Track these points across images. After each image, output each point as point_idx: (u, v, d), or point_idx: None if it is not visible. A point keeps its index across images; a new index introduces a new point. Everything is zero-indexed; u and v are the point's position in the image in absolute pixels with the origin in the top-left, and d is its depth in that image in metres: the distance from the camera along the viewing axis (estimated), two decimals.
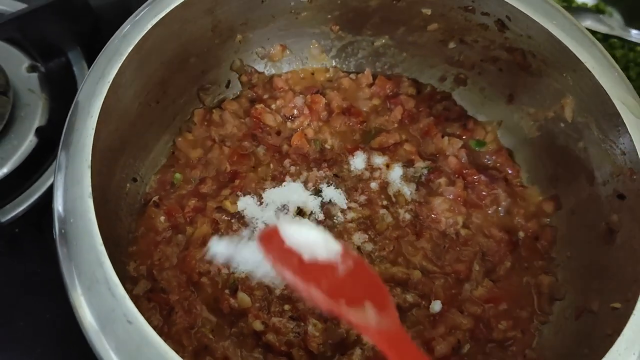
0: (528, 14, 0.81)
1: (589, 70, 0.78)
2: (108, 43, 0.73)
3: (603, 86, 0.76)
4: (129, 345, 0.57)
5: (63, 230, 0.62)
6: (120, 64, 0.71)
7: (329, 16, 0.98)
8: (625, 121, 0.75)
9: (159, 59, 0.84)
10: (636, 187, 0.75)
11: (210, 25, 0.89)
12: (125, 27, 0.75)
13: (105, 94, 0.69)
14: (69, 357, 0.91)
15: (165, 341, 0.77)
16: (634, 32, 1.32)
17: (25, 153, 1.02)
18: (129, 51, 0.72)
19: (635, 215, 0.75)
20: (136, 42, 0.73)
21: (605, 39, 1.36)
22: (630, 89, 0.77)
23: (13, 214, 0.96)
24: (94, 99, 0.69)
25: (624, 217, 0.78)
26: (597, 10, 1.37)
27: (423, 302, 0.84)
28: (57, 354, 0.93)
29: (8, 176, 0.97)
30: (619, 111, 0.75)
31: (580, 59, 0.78)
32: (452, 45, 0.97)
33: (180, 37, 0.85)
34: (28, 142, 1.04)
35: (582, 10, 1.35)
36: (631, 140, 0.74)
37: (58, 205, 0.63)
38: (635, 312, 0.65)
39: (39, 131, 1.06)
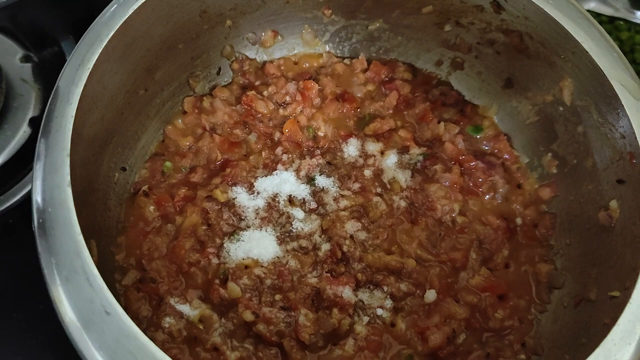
0: None
1: (587, 51, 0.75)
2: (89, 28, 0.72)
3: (601, 67, 0.74)
4: (108, 336, 0.56)
5: (41, 220, 0.61)
6: (101, 50, 0.70)
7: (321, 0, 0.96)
8: (624, 103, 0.72)
9: (145, 45, 0.82)
10: (636, 172, 0.73)
11: (199, 11, 0.87)
12: (107, 12, 0.73)
13: (85, 81, 0.68)
14: (62, 347, 0.91)
15: (154, 332, 0.78)
16: (639, 13, 1.29)
17: (19, 144, 1.02)
18: (110, 36, 0.71)
19: (635, 200, 0.73)
20: (117, 27, 0.71)
21: (611, 21, 1.33)
22: (629, 71, 0.74)
23: (7, 204, 0.96)
24: (73, 87, 0.67)
25: (623, 203, 0.76)
26: None
27: (418, 291, 0.83)
28: (50, 344, 0.93)
29: (2, 167, 0.96)
30: (618, 93, 0.72)
31: (577, 39, 0.76)
32: (448, 28, 0.95)
33: (167, 22, 0.83)
34: (22, 133, 1.03)
35: None
36: (630, 123, 0.72)
37: (36, 195, 0.62)
38: (631, 300, 0.63)
39: (32, 121, 1.05)
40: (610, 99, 0.75)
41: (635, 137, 0.72)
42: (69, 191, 0.61)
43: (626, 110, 0.72)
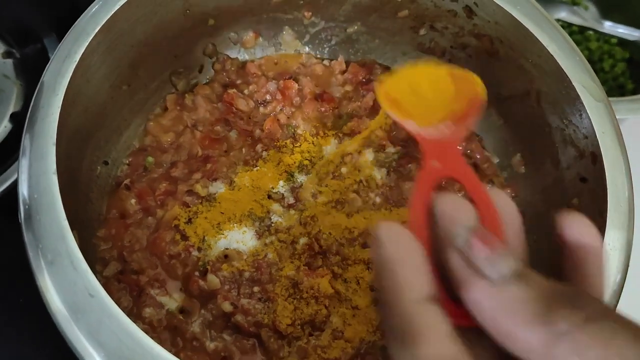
0: None
1: (552, 55, 0.79)
2: (75, 23, 0.74)
3: (564, 70, 0.78)
4: (92, 319, 0.57)
5: (27, 207, 0.62)
6: (87, 43, 0.72)
7: (301, 2, 0.99)
8: (585, 104, 0.76)
9: (129, 42, 0.84)
10: (597, 170, 0.76)
11: (182, 9, 0.89)
12: (94, 7, 0.75)
13: (71, 73, 0.69)
14: (44, 337, 0.92)
15: (135, 322, 0.79)
16: (607, 24, 1.35)
17: None
18: (97, 31, 0.72)
19: (595, 197, 0.77)
20: (104, 22, 0.73)
21: (581, 32, 1.39)
22: (590, 73, 0.78)
23: None
24: (60, 78, 0.69)
25: (584, 200, 0.80)
26: (572, 2, 1.39)
27: None
28: (31, 336, 0.94)
29: None
30: (579, 94, 0.76)
31: (543, 43, 0.80)
32: (423, 32, 0.98)
33: (151, 19, 0.85)
34: (2, 128, 1.05)
35: (558, 1, 1.37)
36: (591, 124, 0.76)
37: (23, 186, 0.64)
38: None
39: (13, 117, 1.06)
40: (573, 101, 0.79)
41: (596, 137, 0.76)
42: (54, 178, 0.63)
43: (587, 110, 0.76)
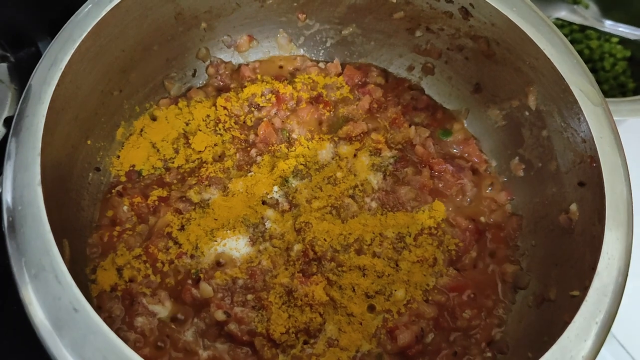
0: (489, 1, 0.81)
1: (548, 58, 0.77)
2: (62, 29, 0.73)
3: (562, 73, 0.76)
4: (76, 334, 0.56)
5: (11, 219, 0.61)
6: (74, 50, 0.70)
7: (295, 4, 0.97)
8: (583, 109, 0.75)
9: (119, 46, 0.83)
10: (595, 174, 0.75)
11: (173, 13, 0.88)
12: (80, 13, 0.74)
13: (57, 81, 0.68)
14: (37, 348, 0.91)
15: (126, 332, 0.79)
16: (607, 23, 1.33)
17: None
18: (83, 37, 0.71)
19: (594, 202, 0.75)
20: (91, 27, 0.72)
21: (582, 30, 1.37)
22: (588, 76, 0.77)
23: None
24: (45, 86, 0.68)
25: (583, 205, 0.78)
26: (572, 1, 1.37)
27: (387, 291, 0.84)
28: (26, 345, 0.93)
29: None
30: (577, 98, 0.75)
31: (540, 46, 0.78)
32: (418, 33, 0.97)
33: (141, 24, 0.84)
34: None
35: (558, 0, 1.35)
36: (589, 128, 0.75)
37: (6, 195, 0.62)
38: (587, 299, 0.65)
39: (7, 121, 1.05)
40: (571, 104, 0.78)
41: (594, 142, 0.74)
42: (39, 190, 0.62)
43: (585, 115, 0.75)
